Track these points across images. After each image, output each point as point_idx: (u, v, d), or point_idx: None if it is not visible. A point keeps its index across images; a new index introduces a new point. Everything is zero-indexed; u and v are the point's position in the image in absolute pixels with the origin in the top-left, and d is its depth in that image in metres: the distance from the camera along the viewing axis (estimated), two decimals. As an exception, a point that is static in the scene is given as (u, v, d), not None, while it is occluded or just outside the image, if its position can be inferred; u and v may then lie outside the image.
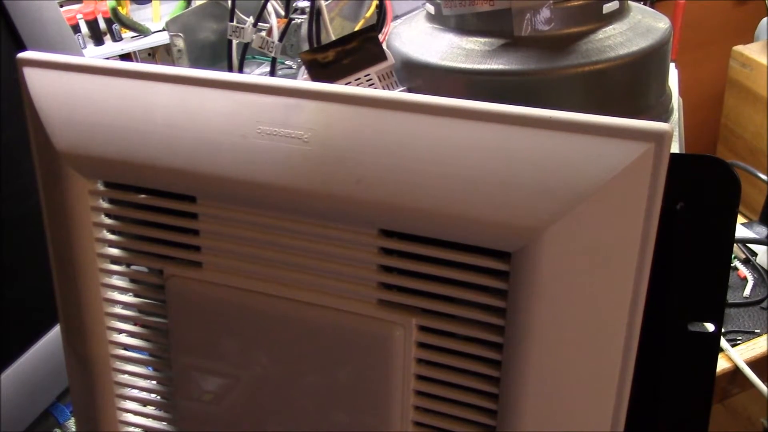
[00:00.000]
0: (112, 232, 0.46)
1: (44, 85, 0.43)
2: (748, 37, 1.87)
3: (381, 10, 0.67)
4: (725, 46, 1.85)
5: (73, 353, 0.48)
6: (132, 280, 0.46)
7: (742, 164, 1.01)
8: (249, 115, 0.39)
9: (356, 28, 0.79)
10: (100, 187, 0.44)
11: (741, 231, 0.94)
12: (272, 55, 0.68)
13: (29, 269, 0.63)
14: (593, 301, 0.35)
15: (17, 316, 0.63)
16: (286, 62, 0.81)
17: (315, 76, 0.57)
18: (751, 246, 0.92)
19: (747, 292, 0.86)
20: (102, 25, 1.78)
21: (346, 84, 0.56)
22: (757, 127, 1.78)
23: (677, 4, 1.77)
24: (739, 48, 1.83)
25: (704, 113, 1.91)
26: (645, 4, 0.64)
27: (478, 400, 0.39)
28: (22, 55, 0.44)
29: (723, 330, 0.43)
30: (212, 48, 0.84)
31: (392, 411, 0.41)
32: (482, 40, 0.57)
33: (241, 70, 0.73)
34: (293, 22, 0.71)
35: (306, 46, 0.70)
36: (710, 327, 0.41)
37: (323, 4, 0.68)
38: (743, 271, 0.89)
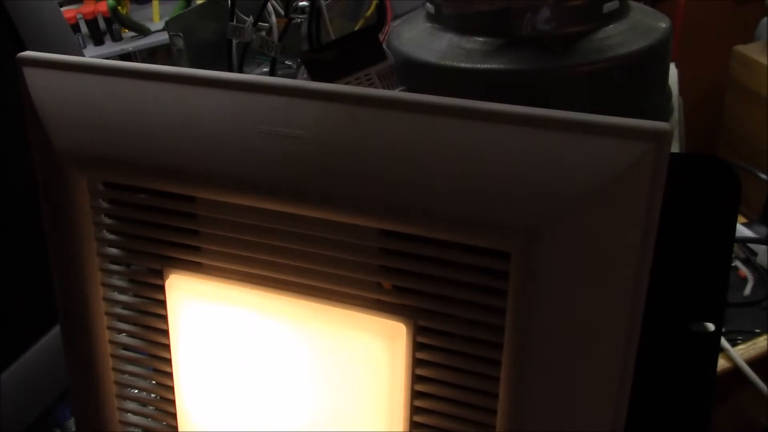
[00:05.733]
0: (112, 232, 0.46)
1: (44, 85, 0.43)
2: (748, 37, 1.87)
3: (381, 9, 0.67)
4: (725, 46, 1.85)
5: (73, 353, 0.48)
6: (132, 280, 0.47)
7: (742, 164, 1.01)
8: (249, 115, 0.39)
9: (356, 28, 0.79)
10: (100, 187, 0.44)
11: (741, 231, 0.94)
12: (272, 55, 0.68)
13: (29, 269, 0.63)
14: (593, 300, 0.35)
15: (17, 316, 0.63)
16: (286, 62, 0.80)
17: (315, 76, 0.57)
18: (751, 246, 0.92)
19: (747, 292, 0.86)
20: (102, 25, 1.78)
21: (346, 84, 0.55)
22: (757, 127, 1.78)
23: (677, 4, 1.77)
24: (740, 48, 1.82)
25: (704, 113, 1.91)
26: (645, 4, 0.64)
27: (477, 400, 0.39)
28: (22, 55, 0.44)
29: (723, 330, 0.43)
30: (212, 48, 0.84)
31: (393, 411, 0.41)
32: (482, 39, 0.57)
33: (241, 70, 0.73)
34: (293, 21, 0.71)
35: (306, 46, 0.70)
36: (710, 327, 0.41)
37: (323, 3, 0.68)
38: (743, 270, 0.89)
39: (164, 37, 1.63)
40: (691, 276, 0.40)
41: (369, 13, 0.80)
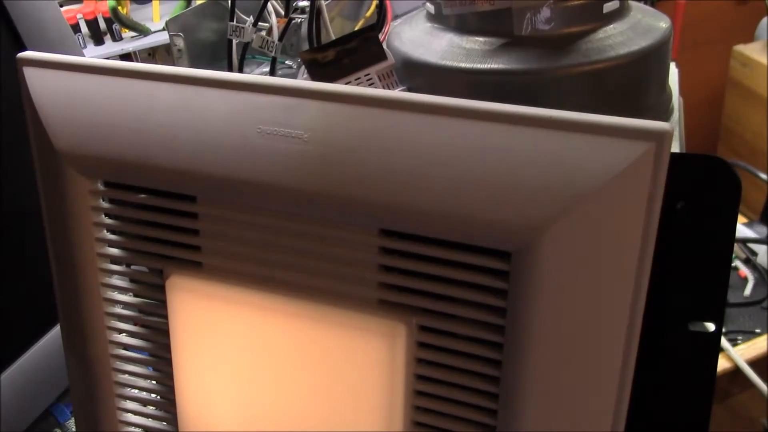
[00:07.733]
0: (112, 232, 0.46)
1: (44, 85, 0.43)
2: (748, 37, 1.87)
3: (381, 9, 0.67)
4: (725, 46, 1.85)
5: (73, 353, 0.48)
6: (132, 280, 0.46)
7: (742, 164, 1.02)
8: (249, 115, 0.39)
9: (356, 28, 0.79)
10: (100, 187, 0.44)
11: (741, 231, 0.94)
12: (272, 54, 0.68)
13: (29, 269, 0.63)
14: (593, 300, 0.35)
15: (17, 316, 0.63)
16: (286, 62, 0.80)
17: (315, 76, 0.57)
18: (752, 246, 0.93)
19: (747, 292, 0.86)
20: (102, 25, 1.78)
21: (346, 84, 0.55)
22: (757, 127, 1.78)
23: (678, 4, 1.77)
24: (740, 48, 1.83)
25: (704, 113, 1.91)
26: (645, 4, 0.64)
27: (478, 400, 0.39)
28: (22, 55, 0.44)
29: (723, 330, 0.43)
30: (212, 48, 0.84)
31: (393, 411, 0.41)
32: (482, 39, 0.57)
33: (241, 70, 0.73)
34: (293, 21, 0.71)
35: (306, 46, 0.70)
36: (710, 327, 0.41)
37: (323, 3, 0.68)
38: (743, 270, 0.89)
39: (164, 37, 1.63)
40: (691, 276, 0.40)
41: (369, 13, 0.80)
